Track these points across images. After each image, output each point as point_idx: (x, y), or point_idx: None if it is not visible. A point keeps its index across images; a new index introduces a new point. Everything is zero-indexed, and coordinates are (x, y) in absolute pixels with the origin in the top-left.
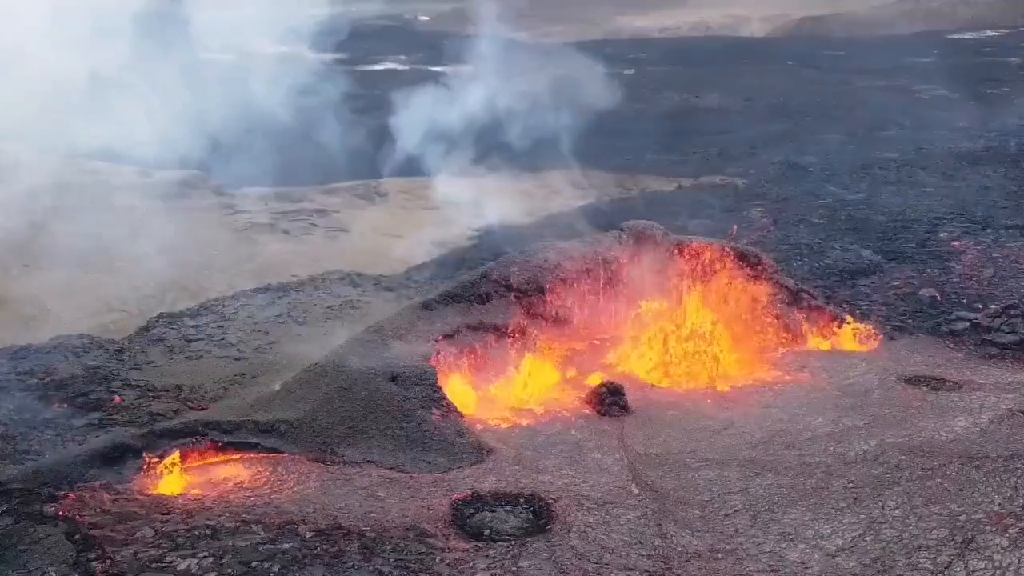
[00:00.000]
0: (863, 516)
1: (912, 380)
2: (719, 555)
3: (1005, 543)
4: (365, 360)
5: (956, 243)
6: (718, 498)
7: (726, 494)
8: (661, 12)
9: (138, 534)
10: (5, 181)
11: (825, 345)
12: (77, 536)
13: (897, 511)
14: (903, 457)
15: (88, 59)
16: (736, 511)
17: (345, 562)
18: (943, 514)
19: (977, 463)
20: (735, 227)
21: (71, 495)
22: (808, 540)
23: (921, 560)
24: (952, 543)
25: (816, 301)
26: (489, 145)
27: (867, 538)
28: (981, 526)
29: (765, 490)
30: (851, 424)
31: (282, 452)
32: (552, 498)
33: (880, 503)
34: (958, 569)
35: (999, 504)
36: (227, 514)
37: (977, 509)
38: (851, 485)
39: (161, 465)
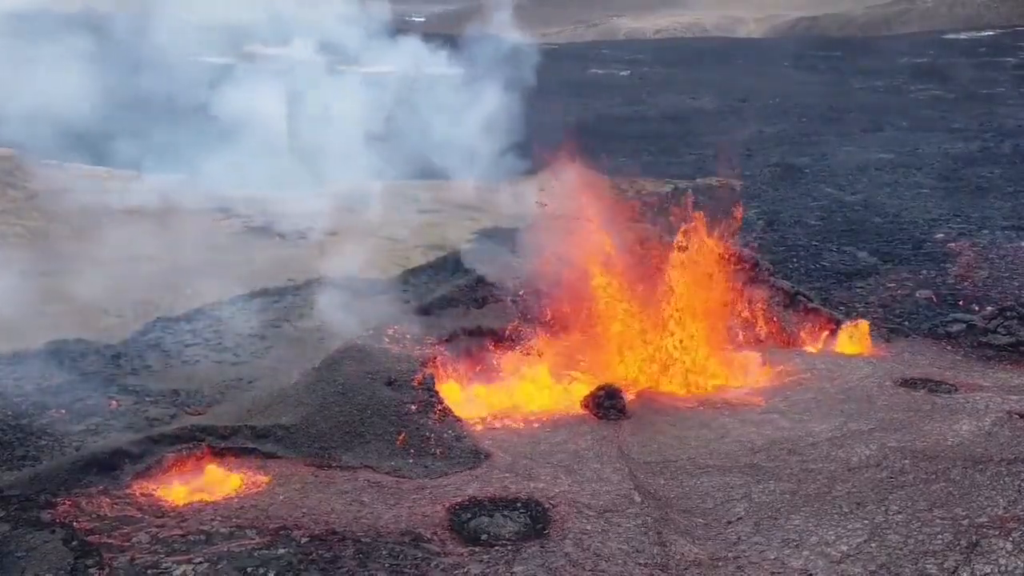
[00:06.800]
0: (867, 522)
1: (913, 383)
2: (719, 563)
3: (1010, 547)
4: (362, 365)
5: (952, 244)
6: (721, 505)
7: (729, 501)
8: (656, 13)
9: (134, 539)
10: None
11: (822, 348)
12: (74, 542)
13: (901, 516)
14: (906, 461)
15: None
16: (739, 518)
17: (340, 568)
18: (947, 518)
19: (981, 466)
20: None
21: (68, 501)
22: (812, 547)
23: (928, 566)
24: (958, 548)
25: (813, 304)
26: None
27: (872, 544)
28: (985, 530)
29: (768, 496)
30: (853, 428)
31: (279, 457)
32: (551, 504)
33: (884, 508)
34: (964, 574)
35: (1003, 507)
36: (221, 519)
37: (982, 513)
38: (854, 490)
39: (157, 470)
